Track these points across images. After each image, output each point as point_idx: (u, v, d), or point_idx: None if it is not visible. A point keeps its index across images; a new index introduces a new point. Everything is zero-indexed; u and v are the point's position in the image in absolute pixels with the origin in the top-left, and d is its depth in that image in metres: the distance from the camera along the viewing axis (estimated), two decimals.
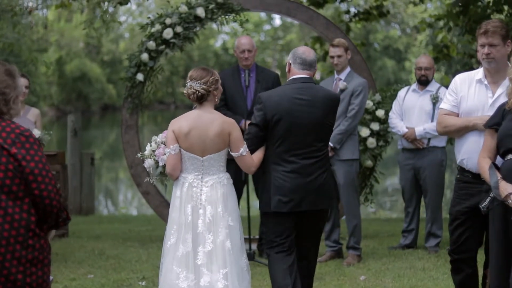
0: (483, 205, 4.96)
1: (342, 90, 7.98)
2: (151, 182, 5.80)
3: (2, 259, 3.67)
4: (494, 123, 5.04)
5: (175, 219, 5.49)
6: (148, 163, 5.65)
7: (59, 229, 4.03)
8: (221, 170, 5.52)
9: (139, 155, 5.86)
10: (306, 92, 5.55)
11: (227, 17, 9.06)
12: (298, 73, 5.64)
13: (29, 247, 3.74)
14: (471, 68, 13.55)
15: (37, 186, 3.74)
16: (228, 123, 5.46)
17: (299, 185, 5.49)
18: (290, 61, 5.68)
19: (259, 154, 5.56)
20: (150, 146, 5.67)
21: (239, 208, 5.79)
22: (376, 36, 50.73)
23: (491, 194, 4.89)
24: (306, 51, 5.67)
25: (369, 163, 8.86)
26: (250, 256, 7.52)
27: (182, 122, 5.48)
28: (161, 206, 9.20)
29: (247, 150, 5.47)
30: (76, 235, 9.81)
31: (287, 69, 5.72)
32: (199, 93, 5.44)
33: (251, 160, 5.50)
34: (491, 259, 5.06)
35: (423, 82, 8.57)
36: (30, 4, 10.97)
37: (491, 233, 5.03)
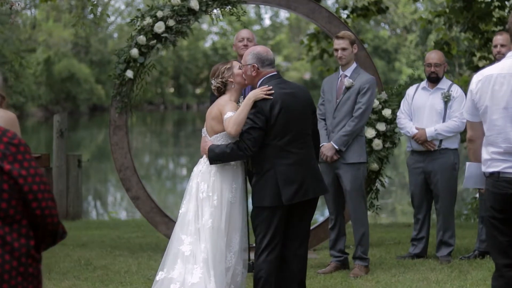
0: None
1: (347, 88, 7.41)
2: None
3: None
4: None
5: (188, 190, 5.93)
6: None
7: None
8: None
9: None
10: (287, 85, 5.83)
11: (222, 9, 8.49)
12: (269, 72, 5.83)
13: (29, 276, 3.19)
14: (477, 67, 13.08)
15: (38, 205, 3.14)
16: (220, 105, 5.84)
17: (304, 175, 5.70)
18: (256, 65, 5.77)
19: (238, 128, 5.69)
20: None
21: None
22: (365, 36, 50.40)
23: None
24: (268, 51, 5.89)
25: (374, 166, 8.30)
26: (250, 268, 6.95)
27: None
28: (152, 212, 8.64)
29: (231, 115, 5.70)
30: (61, 243, 9.14)
31: (253, 73, 5.78)
32: (215, 88, 5.98)
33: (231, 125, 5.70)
34: None
35: (433, 80, 8.00)
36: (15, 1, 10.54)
37: None
